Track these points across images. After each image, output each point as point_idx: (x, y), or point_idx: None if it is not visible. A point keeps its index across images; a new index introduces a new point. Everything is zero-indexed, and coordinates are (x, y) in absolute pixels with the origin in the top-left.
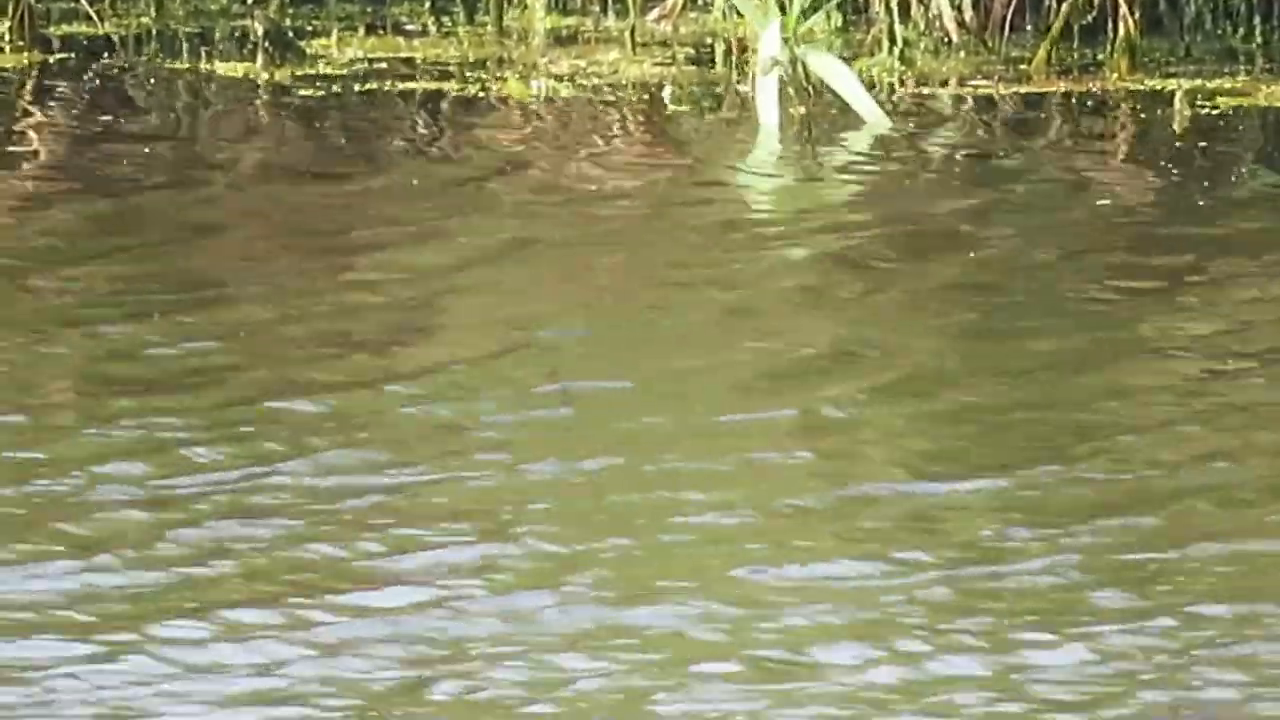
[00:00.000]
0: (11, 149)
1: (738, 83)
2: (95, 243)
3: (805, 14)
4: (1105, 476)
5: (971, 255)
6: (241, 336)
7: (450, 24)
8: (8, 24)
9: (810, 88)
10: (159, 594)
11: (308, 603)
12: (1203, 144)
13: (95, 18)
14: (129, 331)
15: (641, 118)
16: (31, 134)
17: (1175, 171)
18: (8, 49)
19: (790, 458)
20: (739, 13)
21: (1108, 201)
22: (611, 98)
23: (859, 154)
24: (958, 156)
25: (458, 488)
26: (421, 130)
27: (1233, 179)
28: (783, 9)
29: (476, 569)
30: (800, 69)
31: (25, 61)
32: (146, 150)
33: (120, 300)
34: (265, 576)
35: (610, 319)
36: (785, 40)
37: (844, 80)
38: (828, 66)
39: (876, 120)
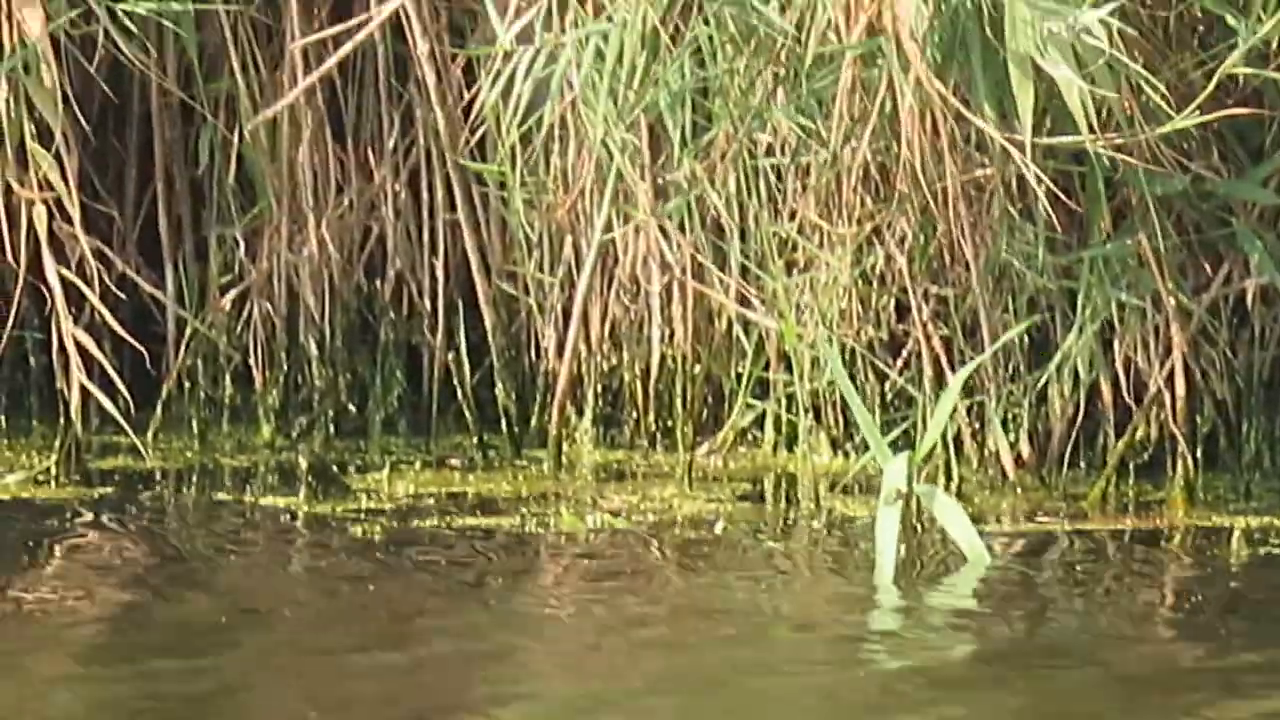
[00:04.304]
0: (50, 590)
1: (790, 518)
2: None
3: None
4: None
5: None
6: None
7: (498, 458)
8: (54, 458)
9: (919, 523)
10: None
11: None
12: (1260, 591)
13: (141, 450)
14: None
15: (695, 553)
16: (71, 575)
17: (1226, 620)
18: (53, 483)
19: None
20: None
21: (1153, 646)
22: (666, 533)
23: (968, 594)
24: (991, 599)
25: None
26: (472, 568)
27: None
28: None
29: None
30: (915, 503)
31: (69, 495)
32: (184, 599)
33: None
34: None
35: None
36: (909, 474)
37: (954, 516)
38: (942, 502)
39: (979, 557)
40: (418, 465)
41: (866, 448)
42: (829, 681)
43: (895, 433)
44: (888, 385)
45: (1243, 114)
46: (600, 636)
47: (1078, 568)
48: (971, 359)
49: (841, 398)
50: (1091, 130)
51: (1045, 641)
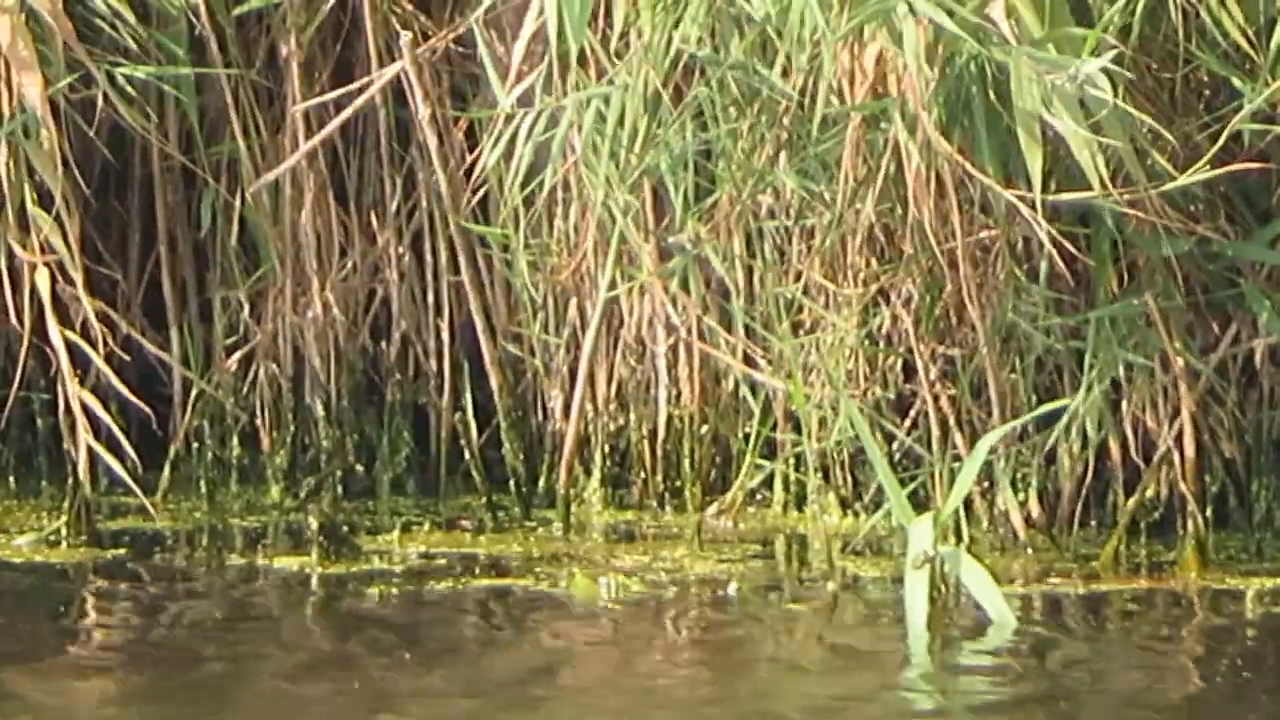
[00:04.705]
0: (62, 653)
1: (803, 579)
2: None
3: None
4: None
5: None
6: None
7: (507, 519)
8: (64, 519)
9: (943, 585)
10: None
11: None
12: (1275, 652)
13: (150, 511)
14: None
15: (711, 615)
16: (83, 637)
17: (1241, 678)
18: (64, 544)
19: None
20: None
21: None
22: (682, 595)
23: (995, 658)
24: (1015, 663)
25: None
26: (486, 630)
27: None
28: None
29: None
30: (939, 566)
31: (81, 557)
32: (197, 662)
33: None
34: None
35: None
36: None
37: (979, 580)
38: (967, 566)
39: (1004, 620)
40: (427, 526)
41: (876, 508)
42: None
43: (904, 492)
44: (895, 445)
45: (1251, 168)
46: (628, 700)
47: (1095, 629)
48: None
49: (850, 457)
50: (1101, 187)
51: (1073, 705)
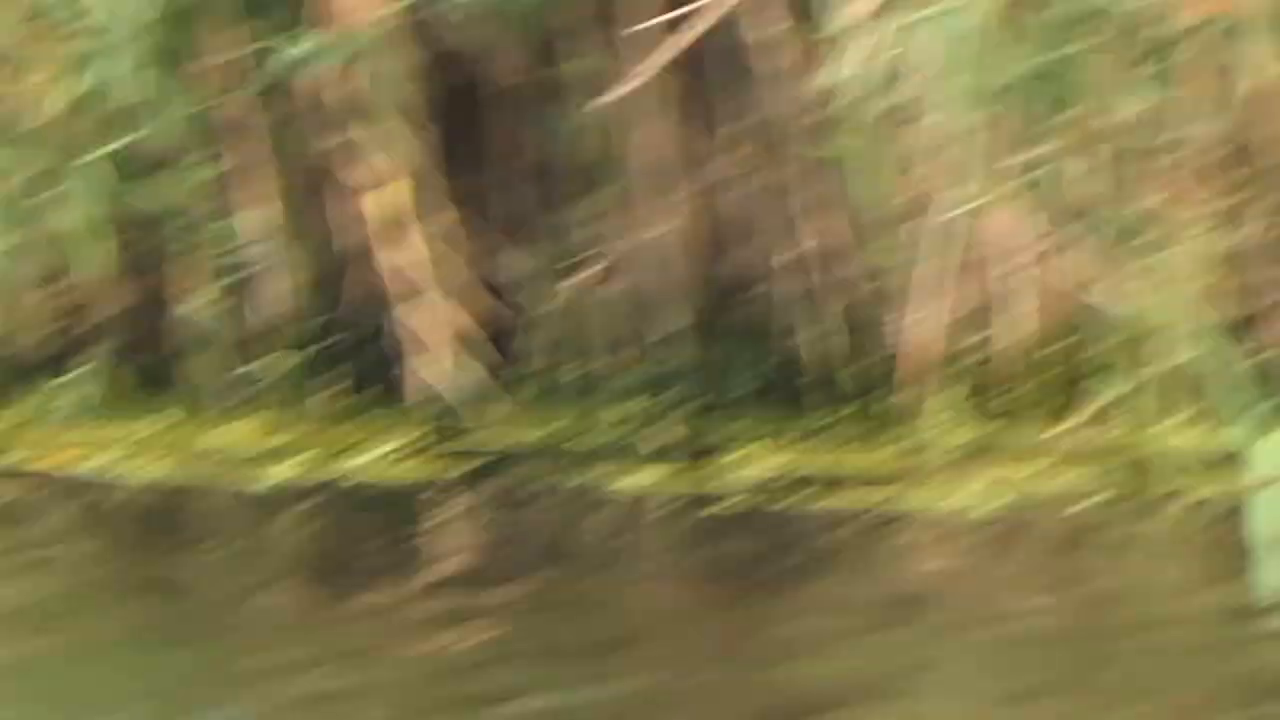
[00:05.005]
0: (414, 570)
1: (1156, 498)
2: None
3: None
4: None
5: None
6: None
7: (857, 436)
8: (413, 436)
9: None
10: None
11: None
12: None
13: (500, 428)
14: None
15: (1068, 535)
16: (435, 555)
17: None
18: (413, 462)
19: None
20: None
21: None
22: (1035, 514)
23: None
24: None
25: None
26: (840, 548)
27: None
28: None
29: None
30: None
31: (430, 475)
32: (546, 577)
33: None
34: None
35: None
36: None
37: None
38: None
39: None
40: (777, 445)
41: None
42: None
43: (1257, 410)
44: (1250, 364)
45: None
46: (983, 624)
47: None
48: None
49: (1203, 375)
50: None
51: None
